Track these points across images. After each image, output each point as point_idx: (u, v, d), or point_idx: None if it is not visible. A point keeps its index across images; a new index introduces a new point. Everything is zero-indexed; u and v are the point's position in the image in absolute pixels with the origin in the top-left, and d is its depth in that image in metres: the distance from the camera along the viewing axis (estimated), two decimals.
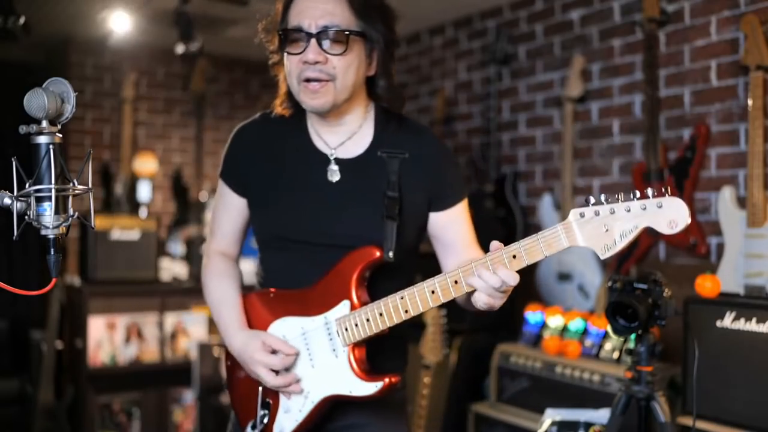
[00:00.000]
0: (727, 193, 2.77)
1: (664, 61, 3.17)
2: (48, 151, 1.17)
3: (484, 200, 3.87)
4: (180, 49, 3.97)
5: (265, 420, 1.63)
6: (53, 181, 1.16)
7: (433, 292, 1.44)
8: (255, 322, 1.68)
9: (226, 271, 1.76)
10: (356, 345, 1.55)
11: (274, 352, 1.59)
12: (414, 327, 3.38)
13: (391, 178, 1.59)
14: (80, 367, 3.93)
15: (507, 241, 1.44)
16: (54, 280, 1.20)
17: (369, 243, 1.55)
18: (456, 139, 4.33)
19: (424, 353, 3.20)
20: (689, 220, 1.26)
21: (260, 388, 1.65)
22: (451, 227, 1.69)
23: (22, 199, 1.17)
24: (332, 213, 1.61)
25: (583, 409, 2.53)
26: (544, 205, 3.65)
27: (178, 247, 4.53)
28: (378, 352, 1.61)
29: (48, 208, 1.17)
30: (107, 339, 3.95)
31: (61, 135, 1.19)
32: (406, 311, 1.47)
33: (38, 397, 3.81)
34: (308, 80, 1.53)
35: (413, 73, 4.66)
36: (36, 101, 1.15)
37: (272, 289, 1.69)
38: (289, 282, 1.65)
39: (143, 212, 4.50)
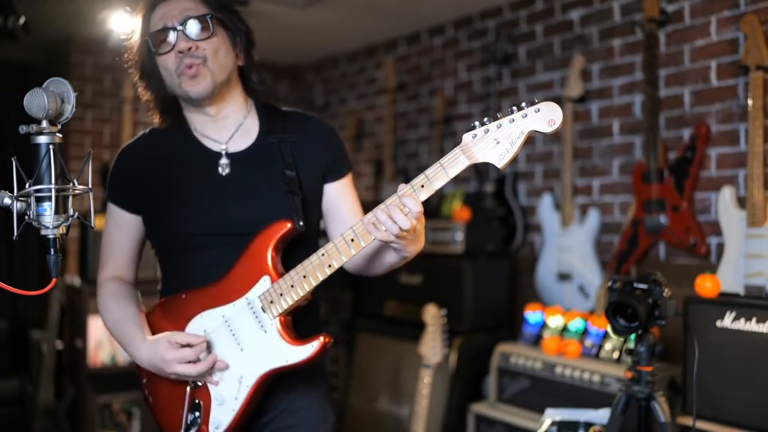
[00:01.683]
0: (727, 193, 2.77)
1: (664, 61, 3.17)
2: (48, 151, 1.17)
3: (484, 200, 3.87)
4: None
5: (198, 423, 1.62)
6: (53, 181, 1.16)
7: (352, 240, 1.50)
8: (170, 327, 1.67)
9: (122, 292, 1.76)
10: (283, 315, 1.59)
11: (184, 347, 1.60)
12: (411, 327, 3.38)
13: (287, 158, 1.70)
14: (80, 367, 3.93)
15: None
16: (54, 280, 1.21)
17: (257, 228, 1.62)
18: (456, 139, 4.33)
19: (424, 353, 3.20)
20: (562, 116, 1.37)
21: (187, 389, 1.63)
22: (344, 198, 1.79)
23: (22, 199, 1.17)
24: (228, 204, 1.67)
25: (583, 409, 2.53)
26: (544, 205, 3.65)
27: None
28: (299, 327, 1.64)
29: (48, 208, 1.17)
30: (107, 339, 3.95)
31: (61, 135, 1.19)
32: (330, 266, 1.52)
33: (38, 397, 3.81)
34: (187, 66, 1.63)
35: (413, 73, 4.66)
36: (36, 101, 1.15)
37: (179, 293, 1.70)
38: (198, 281, 1.67)
39: None
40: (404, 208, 1.43)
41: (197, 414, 1.63)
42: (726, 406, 2.36)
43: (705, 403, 2.38)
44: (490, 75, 4.01)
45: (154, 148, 1.76)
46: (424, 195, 1.44)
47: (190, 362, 1.58)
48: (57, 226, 1.18)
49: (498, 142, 1.41)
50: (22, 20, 2.50)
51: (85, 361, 3.88)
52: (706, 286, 2.49)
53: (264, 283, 1.59)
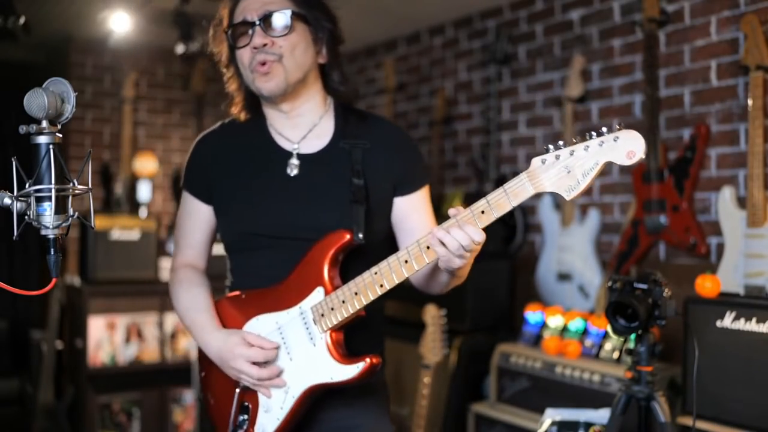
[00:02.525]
0: (727, 193, 2.77)
1: (664, 61, 3.17)
2: (48, 151, 1.17)
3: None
4: (180, 49, 3.98)
5: (245, 426, 1.62)
6: (53, 181, 1.16)
7: (406, 261, 1.44)
8: (228, 325, 1.68)
9: (194, 280, 1.77)
10: (334, 330, 1.55)
11: (255, 347, 1.59)
12: (411, 327, 3.38)
13: (356, 166, 1.63)
14: (80, 367, 3.93)
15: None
16: (54, 280, 1.20)
17: (319, 234, 1.57)
18: (456, 139, 4.33)
19: (424, 353, 3.20)
20: (645, 149, 1.25)
21: (237, 391, 1.63)
22: (415, 213, 1.70)
23: (22, 199, 1.17)
24: (294, 207, 1.63)
25: (583, 409, 2.53)
26: (544, 205, 3.65)
27: None
28: (353, 339, 1.61)
29: (48, 208, 1.17)
30: (107, 339, 3.95)
31: (61, 135, 1.19)
32: (381, 285, 1.46)
33: (38, 397, 3.81)
34: (260, 63, 1.60)
35: (413, 73, 4.66)
36: (36, 101, 1.15)
37: (239, 292, 1.70)
38: (258, 281, 1.66)
39: (143, 212, 4.50)
40: (465, 235, 1.35)
41: (245, 417, 1.62)
42: (726, 406, 2.36)
43: (705, 403, 2.38)
44: (490, 75, 4.01)
45: (229, 140, 1.74)
46: (484, 222, 1.36)
47: (255, 363, 1.57)
48: (57, 226, 1.18)
49: (569, 171, 1.29)
50: (22, 20, 2.50)
51: (85, 361, 3.89)
52: (706, 286, 2.48)
53: (317, 295, 1.55)
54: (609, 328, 2.21)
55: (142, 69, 5.13)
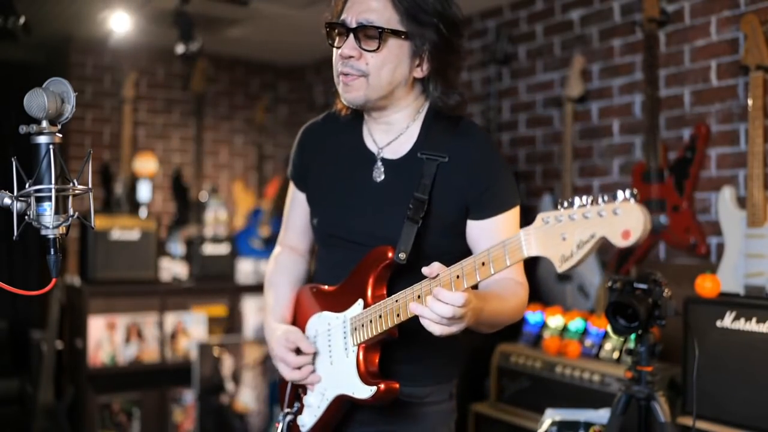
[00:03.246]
0: (727, 193, 2.77)
1: (664, 61, 3.17)
2: (48, 151, 1.17)
3: None
4: (180, 49, 3.97)
5: (295, 413, 1.68)
6: (53, 181, 1.16)
7: (419, 296, 1.39)
8: (300, 314, 1.73)
9: (286, 264, 1.84)
10: (368, 346, 1.54)
11: (297, 348, 1.62)
12: None
13: (425, 180, 1.56)
14: (80, 367, 3.93)
15: None
16: (54, 280, 1.21)
17: (392, 244, 1.54)
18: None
19: None
20: (645, 228, 1.07)
21: (290, 381, 1.70)
22: (484, 239, 1.58)
23: (22, 199, 1.17)
24: (372, 213, 1.62)
25: (583, 409, 2.53)
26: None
27: (178, 247, 4.53)
28: (419, 360, 1.61)
29: (48, 208, 1.17)
30: (107, 339, 3.95)
31: (61, 135, 1.19)
32: (398, 315, 1.43)
33: (38, 397, 3.81)
34: (343, 74, 1.57)
35: None
36: (36, 101, 1.15)
37: (313, 284, 1.75)
38: (332, 278, 1.68)
39: (143, 212, 4.50)
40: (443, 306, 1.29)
41: (298, 405, 1.68)
42: (726, 406, 2.36)
43: (705, 403, 2.38)
44: (490, 75, 4.01)
45: (328, 134, 1.75)
46: (483, 274, 1.28)
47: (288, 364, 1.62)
48: (57, 226, 1.18)
49: (564, 239, 1.16)
50: (22, 20, 2.50)
51: (85, 361, 3.88)
52: (706, 286, 2.48)
53: (358, 307, 1.55)
54: (609, 328, 2.21)
55: (142, 69, 5.13)
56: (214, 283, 4.28)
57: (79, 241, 4.19)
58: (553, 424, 2.42)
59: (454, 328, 1.33)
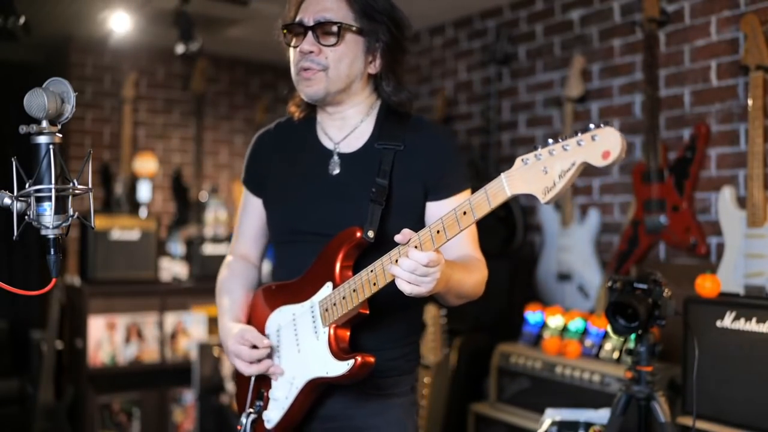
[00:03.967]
0: (727, 193, 2.77)
1: (664, 61, 3.17)
2: (48, 151, 1.17)
3: None
4: (180, 49, 3.97)
5: (258, 411, 1.68)
6: (53, 181, 1.16)
7: (396, 261, 1.42)
8: (257, 314, 1.75)
9: (237, 270, 1.86)
10: (339, 327, 1.58)
11: (253, 345, 1.64)
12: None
13: (383, 167, 1.64)
14: (80, 367, 3.93)
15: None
16: (54, 280, 1.21)
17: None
18: (456, 139, 4.33)
19: (424, 353, 3.20)
20: (622, 148, 1.13)
21: (252, 378, 1.70)
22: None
23: (22, 199, 1.17)
24: (330, 204, 1.68)
25: (583, 409, 2.53)
26: (544, 205, 3.65)
27: (178, 247, 4.54)
28: (381, 347, 1.63)
29: (48, 208, 1.17)
30: (107, 339, 3.95)
31: (61, 135, 1.19)
32: (375, 284, 1.46)
33: (38, 397, 3.81)
34: (304, 69, 1.64)
35: (413, 73, 4.66)
36: (36, 101, 1.15)
37: (272, 283, 1.77)
38: (295, 274, 1.71)
39: (143, 212, 4.50)
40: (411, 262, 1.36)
41: (260, 403, 1.70)
42: (726, 406, 2.36)
43: (705, 403, 2.38)
44: (490, 75, 4.01)
45: (282, 138, 1.81)
46: (467, 222, 1.33)
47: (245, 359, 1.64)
48: (57, 226, 1.18)
49: (546, 172, 1.21)
50: (22, 20, 2.50)
51: (85, 361, 3.88)
52: (706, 286, 2.48)
53: (326, 290, 1.59)
54: (609, 328, 2.21)
55: (142, 69, 5.13)
56: (214, 283, 4.26)
57: (79, 241, 4.19)
58: (553, 424, 2.42)
59: (422, 288, 1.39)
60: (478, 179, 4.01)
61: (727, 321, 2.39)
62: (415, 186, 1.67)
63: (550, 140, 1.23)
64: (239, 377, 1.78)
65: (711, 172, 2.99)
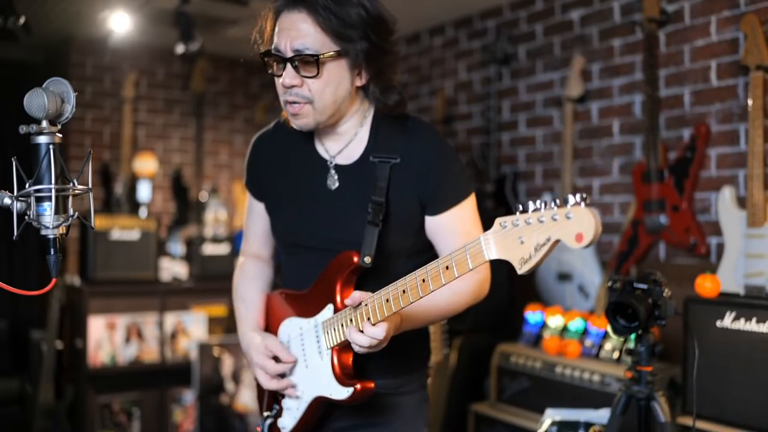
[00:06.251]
0: (727, 193, 2.77)
1: (664, 61, 3.17)
2: (48, 151, 1.17)
3: (484, 200, 3.87)
4: (180, 49, 3.97)
5: (274, 416, 1.72)
6: (53, 181, 1.16)
7: (387, 300, 1.42)
8: (272, 319, 1.76)
9: (251, 272, 1.86)
10: (341, 349, 1.58)
11: (275, 356, 1.65)
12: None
13: (379, 183, 1.61)
14: (80, 367, 3.93)
15: None
16: (54, 280, 1.21)
17: (353, 247, 1.58)
18: (456, 139, 4.33)
19: None
20: (596, 231, 1.09)
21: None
22: (442, 233, 1.65)
23: (22, 199, 1.17)
24: (330, 219, 1.66)
25: (583, 409, 2.53)
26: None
27: (178, 247, 4.53)
28: (391, 354, 1.62)
29: (48, 208, 1.17)
30: (107, 339, 3.95)
31: (61, 135, 1.19)
32: (369, 318, 1.45)
33: (38, 397, 3.81)
34: (289, 103, 1.60)
35: (413, 73, 4.66)
36: (36, 101, 1.15)
37: (281, 290, 1.78)
38: (298, 283, 1.72)
39: (143, 212, 4.50)
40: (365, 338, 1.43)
41: (277, 408, 1.72)
42: (726, 406, 2.36)
43: (705, 403, 2.38)
44: (490, 75, 4.01)
45: (280, 142, 1.77)
46: (449, 277, 1.33)
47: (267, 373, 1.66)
48: (57, 226, 1.18)
49: (522, 242, 1.19)
50: (22, 20, 2.50)
51: (85, 361, 3.88)
52: (706, 286, 2.48)
53: (328, 312, 1.59)
54: (609, 328, 2.21)
55: (142, 69, 5.12)
56: (214, 283, 4.27)
57: (79, 241, 4.19)
58: (553, 424, 2.42)
59: (374, 350, 1.47)
60: (478, 179, 4.01)
61: (727, 321, 2.39)
62: (412, 200, 1.63)
63: (530, 204, 1.19)
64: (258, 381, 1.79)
65: (711, 172, 2.99)
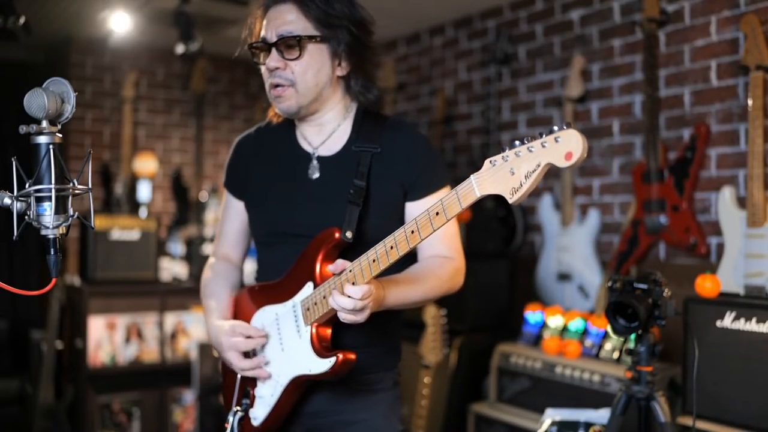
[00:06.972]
0: (727, 193, 2.77)
1: (664, 61, 3.17)
2: (48, 151, 1.17)
3: (484, 200, 3.87)
4: (180, 49, 3.97)
5: (245, 409, 1.72)
6: (53, 181, 1.16)
7: (374, 260, 1.47)
8: (241, 314, 1.79)
9: (221, 271, 1.92)
10: (320, 325, 1.61)
11: (247, 336, 1.68)
12: (411, 326, 3.38)
13: (361, 169, 1.69)
14: (80, 367, 3.93)
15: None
16: (54, 280, 1.21)
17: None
18: (456, 139, 4.33)
19: (424, 353, 3.20)
20: (584, 148, 1.18)
21: (238, 377, 1.73)
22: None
23: (22, 199, 1.17)
24: (311, 207, 1.71)
25: (583, 409, 2.53)
26: (544, 204, 3.65)
27: (178, 247, 4.53)
28: (364, 347, 1.67)
29: (48, 208, 1.17)
30: (107, 339, 3.95)
31: (61, 135, 1.19)
32: (353, 283, 1.49)
33: (38, 397, 3.81)
34: (274, 86, 1.69)
35: (413, 73, 4.66)
36: (36, 101, 1.15)
37: (255, 284, 1.82)
38: (276, 274, 1.75)
39: (143, 212, 4.50)
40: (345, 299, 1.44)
41: (247, 401, 1.72)
42: (726, 406, 2.36)
43: (705, 403, 2.38)
44: (490, 75, 4.01)
45: (262, 143, 1.85)
46: (440, 222, 1.37)
47: (240, 353, 1.67)
48: (57, 226, 1.18)
49: (513, 173, 1.26)
50: (22, 20, 2.50)
51: (85, 361, 3.88)
52: (706, 286, 2.48)
53: (307, 289, 1.62)
54: (609, 328, 2.21)
55: (142, 69, 5.13)
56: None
57: (79, 241, 4.19)
58: (553, 424, 2.42)
59: (359, 317, 1.48)
60: None
61: (727, 321, 2.39)
62: (393, 186, 1.71)
63: (517, 142, 1.27)
64: (226, 376, 1.80)
65: (711, 172, 2.99)
